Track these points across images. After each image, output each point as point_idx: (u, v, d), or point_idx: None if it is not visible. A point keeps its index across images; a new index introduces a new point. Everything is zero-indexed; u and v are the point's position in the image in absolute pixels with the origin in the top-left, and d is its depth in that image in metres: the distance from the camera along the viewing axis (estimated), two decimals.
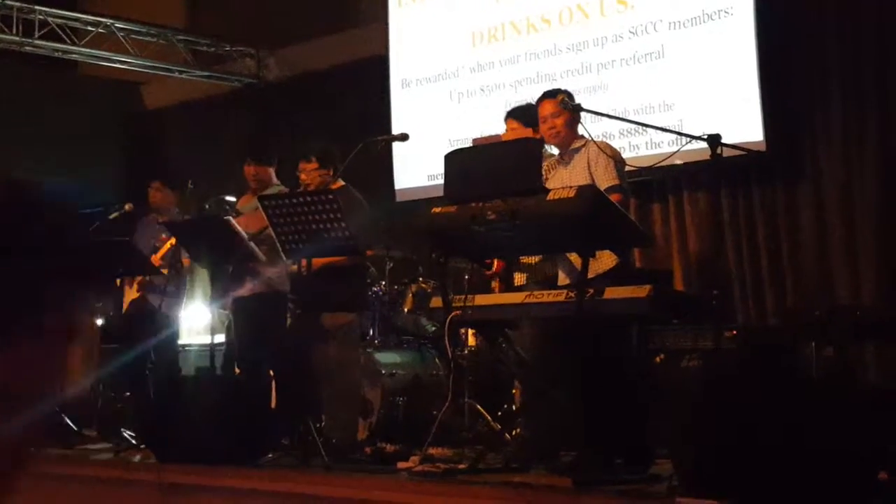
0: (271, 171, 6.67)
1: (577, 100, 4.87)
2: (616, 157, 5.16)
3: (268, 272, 6.35)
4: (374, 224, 6.20)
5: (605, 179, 5.06)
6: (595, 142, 5.19)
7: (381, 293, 7.24)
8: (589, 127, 5.22)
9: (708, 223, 7.61)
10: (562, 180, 5.20)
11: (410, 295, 7.19)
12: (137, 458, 6.01)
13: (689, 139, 4.69)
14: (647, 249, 7.60)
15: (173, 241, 6.92)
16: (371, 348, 7.01)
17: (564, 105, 4.85)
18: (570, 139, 5.30)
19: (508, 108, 6.02)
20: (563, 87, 5.54)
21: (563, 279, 5.22)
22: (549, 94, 5.38)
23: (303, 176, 6.35)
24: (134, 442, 6.33)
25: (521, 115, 5.78)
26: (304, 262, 5.62)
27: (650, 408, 4.65)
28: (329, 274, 5.98)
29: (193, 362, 8.91)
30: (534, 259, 5.77)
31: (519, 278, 5.81)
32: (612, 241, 4.77)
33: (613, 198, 4.95)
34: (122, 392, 7.57)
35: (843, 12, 7.20)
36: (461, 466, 4.76)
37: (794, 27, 7.39)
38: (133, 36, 10.76)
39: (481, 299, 4.98)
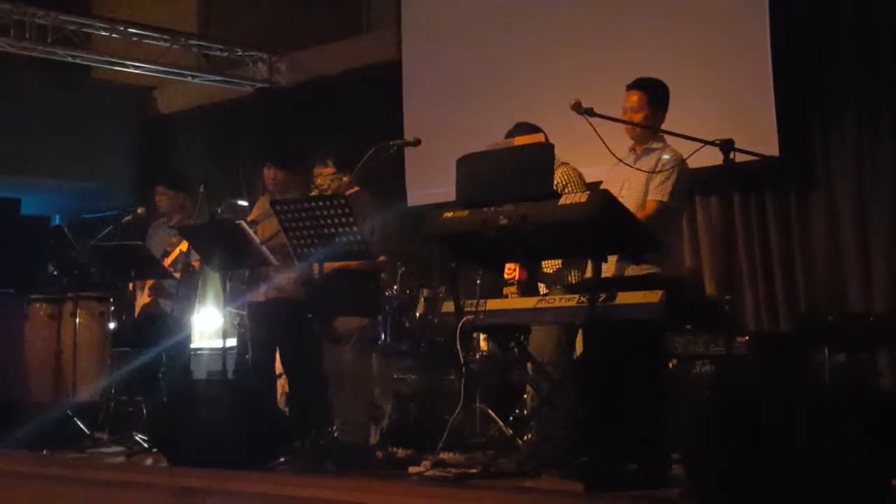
0: (290, 175, 6.67)
1: (591, 104, 4.81)
2: (682, 175, 4.99)
3: (281, 278, 6.36)
4: (386, 228, 6.20)
5: (657, 191, 4.95)
6: (671, 149, 5.04)
7: (393, 298, 7.24)
8: (601, 131, 5.13)
9: (720, 229, 7.59)
10: (623, 176, 5.07)
11: (422, 299, 7.19)
12: (149, 461, 6.02)
13: (701, 144, 4.67)
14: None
15: (184, 246, 6.93)
16: (383, 353, 7.01)
17: (577, 109, 4.82)
18: (646, 137, 5.12)
19: (516, 123, 6.00)
20: (647, 77, 5.27)
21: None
22: (633, 86, 5.19)
23: (319, 180, 6.36)
24: (146, 445, 6.33)
25: (522, 130, 5.74)
26: (316, 266, 5.62)
27: (664, 413, 4.64)
28: (342, 279, 5.98)
29: (205, 366, 8.92)
30: (553, 268, 5.75)
31: (543, 288, 5.79)
32: (624, 247, 4.75)
33: (650, 206, 4.89)
34: (134, 396, 7.58)
35: (858, 18, 7.18)
36: (473, 471, 4.75)
37: (808, 33, 7.37)
38: (146, 41, 10.79)
39: (493, 304, 4.98)
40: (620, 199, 4.81)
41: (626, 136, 5.20)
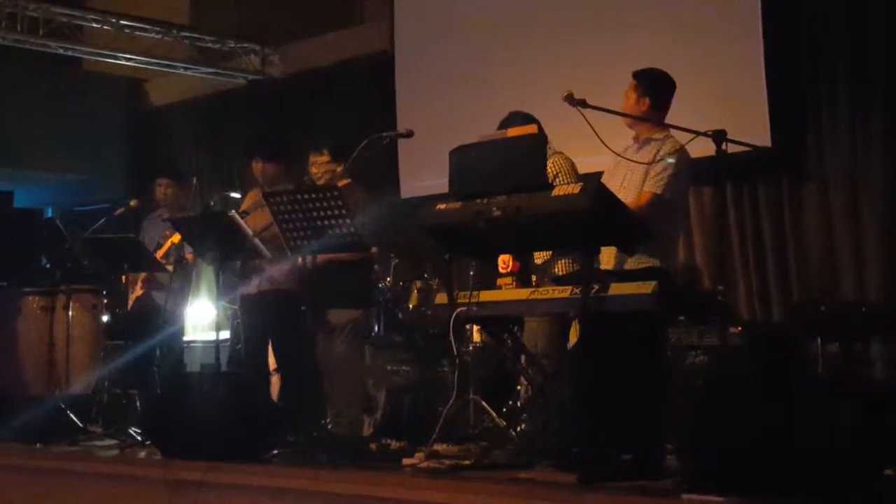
0: (280, 167, 6.66)
1: (584, 94, 4.79)
2: (681, 168, 4.93)
3: (274, 270, 6.36)
4: (379, 220, 6.19)
5: (651, 183, 4.90)
6: (673, 141, 4.97)
7: (386, 290, 7.24)
8: (597, 121, 5.09)
9: (713, 219, 7.59)
10: (625, 168, 5.01)
11: (416, 291, 7.19)
12: (142, 454, 6.02)
13: (694, 135, 4.67)
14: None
15: (176, 237, 6.92)
16: (376, 345, 7.01)
17: (570, 101, 4.80)
18: (645, 128, 5.08)
19: (510, 112, 5.99)
20: (647, 67, 5.21)
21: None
22: (633, 74, 5.15)
23: (313, 169, 6.35)
24: (139, 438, 6.33)
25: (513, 122, 5.72)
26: (310, 259, 5.62)
27: (657, 404, 4.64)
28: (335, 270, 5.98)
29: (198, 359, 8.91)
30: (542, 258, 5.75)
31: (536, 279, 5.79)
32: (617, 238, 4.75)
33: (643, 197, 4.88)
34: (128, 388, 7.57)
35: (850, 8, 7.18)
36: (466, 463, 4.76)
37: (801, 23, 7.37)
38: (138, 33, 10.76)
39: (487, 295, 4.97)
40: (622, 192, 4.81)
41: (624, 127, 5.18)
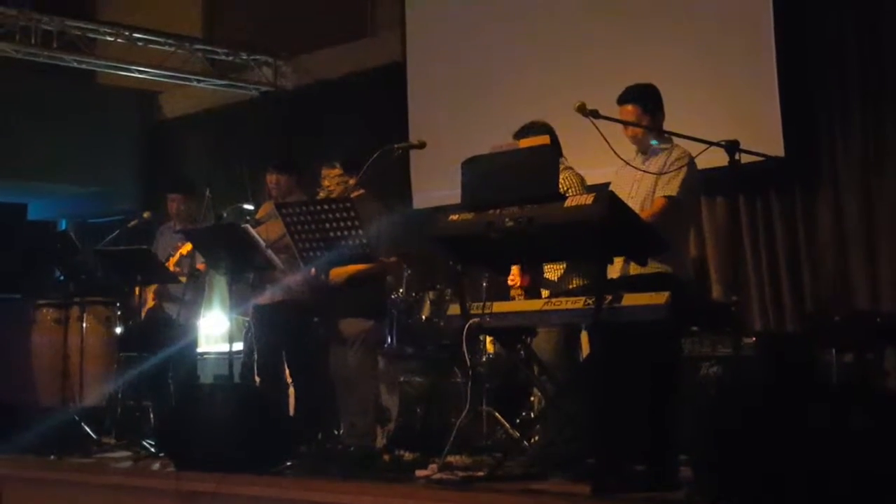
0: (293, 179, 6.68)
1: (595, 106, 4.79)
2: (690, 170, 4.94)
3: (288, 279, 6.36)
4: (391, 231, 6.19)
5: (665, 188, 4.92)
6: (679, 148, 5.01)
7: (398, 300, 7.24)
8: (607, 133, 5.10)
9: (726, 229, 7.58)
10: (632, 178, 5.05)
11: (428, 302, 7.19)
12: (156, 465, 6.02)
13: (706, 145, 4.66)
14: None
15: (186, 248, 6.93)
16: (389, 355, 7.00)
17: (582, 111, 4.80)
18: (649, 141, 5.09)
19: (520, 127, 5.98)
20: (634, 86, 5.19)
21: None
22: (623, 100, 5.14)
23: (326, 182, 6.35)
24: (152, 450, 6.33)
25: (530, 132, 5.71)
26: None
27: (671, 415, 4.63)
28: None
29: (211, 370, 8.93)
30: (556, 273, 5.73)
31: (546, 294, 5.78)
32: (630, 248, 4.74)
33: (657, 203, 4.88)
34: (141, 400, 7.58)
35: (862, 17, 7.18)
36: (480, 474, 4.74)
37: (813, 32, 7.36)
38: (151, 45, 10.80)
39: (499, 306, 4.97)
40: (630, 201, 4.80)
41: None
